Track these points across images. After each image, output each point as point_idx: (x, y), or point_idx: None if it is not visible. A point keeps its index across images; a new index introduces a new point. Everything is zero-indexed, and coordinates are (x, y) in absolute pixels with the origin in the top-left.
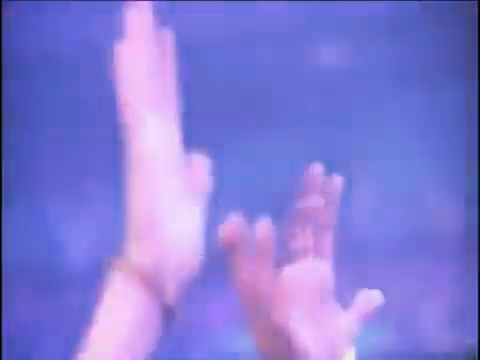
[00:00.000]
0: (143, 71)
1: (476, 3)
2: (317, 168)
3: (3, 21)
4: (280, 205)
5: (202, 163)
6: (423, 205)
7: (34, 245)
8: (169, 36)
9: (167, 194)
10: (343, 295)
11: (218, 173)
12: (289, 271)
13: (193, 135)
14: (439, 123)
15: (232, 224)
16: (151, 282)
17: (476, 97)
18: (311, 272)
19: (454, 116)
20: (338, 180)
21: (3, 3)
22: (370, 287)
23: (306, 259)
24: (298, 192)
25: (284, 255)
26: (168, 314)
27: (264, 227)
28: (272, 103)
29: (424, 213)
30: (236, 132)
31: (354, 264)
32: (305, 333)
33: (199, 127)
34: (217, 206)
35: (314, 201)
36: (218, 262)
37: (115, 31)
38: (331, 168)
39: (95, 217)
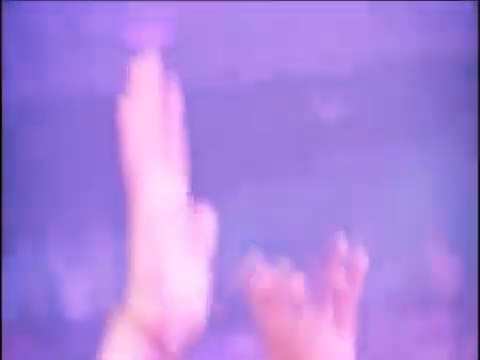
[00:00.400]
0: (149, 126)
1: (476, 3)
2: (342, 245)
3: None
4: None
5: (207, 217)
6: (422, 260)
7: (33, 294)
8: (174, 87)
9: (172, 249)
10: None
11: (221, 224)
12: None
13: (195, 185)
14: (442, 180)
15: (264, 276)
16: (154, 335)
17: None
18: (329, 340)
19: (456, 172)
20: (363, 261)
21: (3, 3)
22: (368, 340)
23: (329, 334)
24: (323, 266)
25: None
26: None
27: (299, 281)
28: (273, 153)
29: (424, 268)
30: (237, 182)
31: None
32: None
33: (200, 177)
34: (222, 257)
35: (337, 280)
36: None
37: (121, 78)
38: (330, 220)
39: (96, 266)
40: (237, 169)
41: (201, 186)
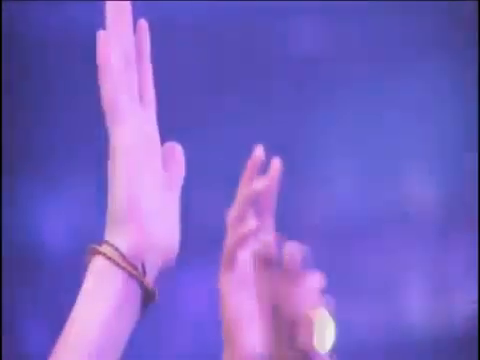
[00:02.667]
0: (123, 63)
1: (476, 3)
2: (258, 152)
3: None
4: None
5: (176, 149)
6: (405, 180)
7: (11, 228)
8: (144, 26)
9: (145, 181)
10: (330, 274)
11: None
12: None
13: (164, 119)
14: (423, 99)
15: (271, 242)
16: (131, 265)
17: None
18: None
19: (437, 94)
20: (277, 163)
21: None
22: (353, 263)
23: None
24: (242, 177)
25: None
26: (148, 297)
27: (295, 249)
28: (245, 86)
29: (407, 188)
30: (203, 118)
31: (338, 241)
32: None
33: (167, 112)
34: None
35: (255, 185)
36: (199, 246)
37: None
38: (311, 147)
39: (73, 199)
40: (206, 103)
41: (171, 122)
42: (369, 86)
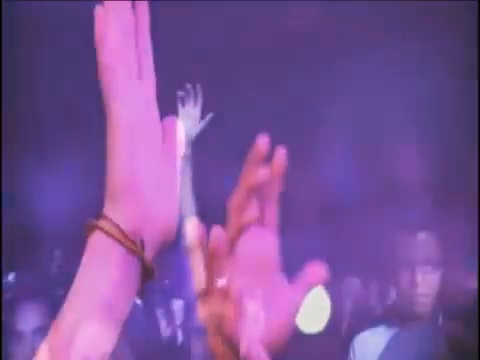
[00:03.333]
0: (121, 37)
1: (476, 3)
2: (262, 141)
3: None
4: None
5: (175, 126)
6: (392, 160)
7: (8, 203)
8: (144, 4)
9: (144, 156)
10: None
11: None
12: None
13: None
14: (411, 76)
15: (195, 227)
16: (130, 241)
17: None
18: (256, 243)
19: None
20: (282, 153)
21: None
22: (344, 244)
23: (251, 230)
24: (245, 165)
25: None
26: (146, 272)
27: (217, 236)
28: (248, 64)
29: (393, 168)
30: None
31: (328, 222)
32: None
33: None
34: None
35: (259, 175)
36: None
37: None
38: (302, 128)
39: (72, 176)
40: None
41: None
42: (363, 79)
